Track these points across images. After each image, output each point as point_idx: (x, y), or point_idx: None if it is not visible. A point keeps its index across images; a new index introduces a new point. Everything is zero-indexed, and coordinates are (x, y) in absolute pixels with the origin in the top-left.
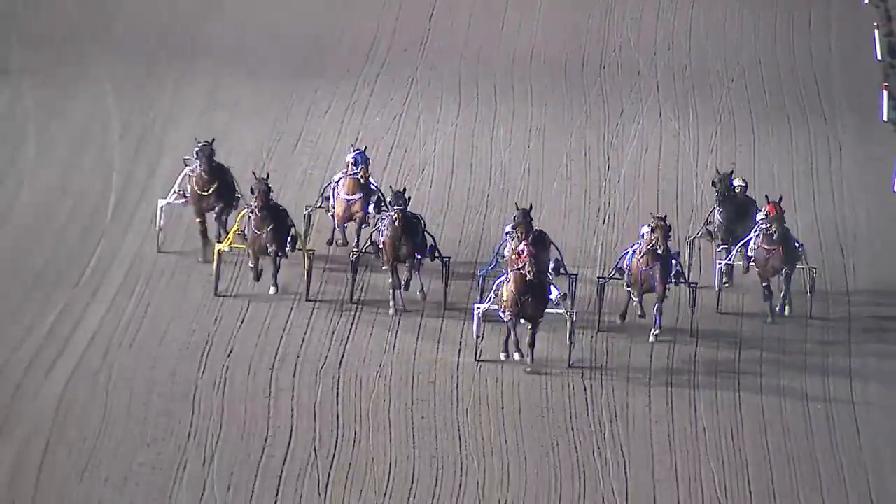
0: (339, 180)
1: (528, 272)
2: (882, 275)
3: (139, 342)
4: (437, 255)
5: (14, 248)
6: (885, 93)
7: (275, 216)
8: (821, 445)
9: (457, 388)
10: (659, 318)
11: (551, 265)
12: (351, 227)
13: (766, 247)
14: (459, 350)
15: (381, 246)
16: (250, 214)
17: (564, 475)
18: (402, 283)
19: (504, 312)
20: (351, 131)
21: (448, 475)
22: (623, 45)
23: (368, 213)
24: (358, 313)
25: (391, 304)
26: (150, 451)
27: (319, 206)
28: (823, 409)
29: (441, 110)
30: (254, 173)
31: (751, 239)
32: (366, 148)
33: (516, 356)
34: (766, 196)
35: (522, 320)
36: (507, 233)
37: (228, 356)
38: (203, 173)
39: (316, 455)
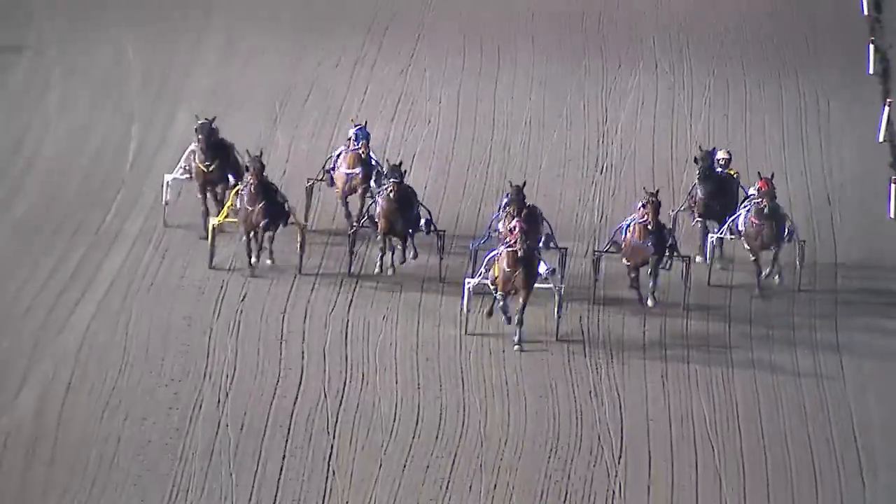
0: (339, 154)
1: (519, 249)
2: (868, 224)
3: (156, 287)
4: (432, 228)
5: (38, 195)
6: (872, 46)
7: (267, 193)
8: (808, 392)
9: (459, 335)
10: (654, 287)
11: (541, 240)
12: (354, 203)
13: (755, 221)
14: (459, 316)
15: (376, 219)
16: (243, 191)
17: (563, 415)
18: (394, 252)
19: (496, 290)
20: (360, 84)
21: (451, 415)
22: (621, 1)
23: (370, 187)
24: (358, 284)
25: (377, 263)
26: (167, 390)
27: (321, 180)
28: (810, 351)
29: (447, 63)
30: (247, 151)
31: (740, 214)
32: (366, 123)
33: (505, 320)
34: (759, 173)
35: (513, 295)
36: (501, 206)
37: (242, 301)
38: (202, 150)
39: (325, 396)
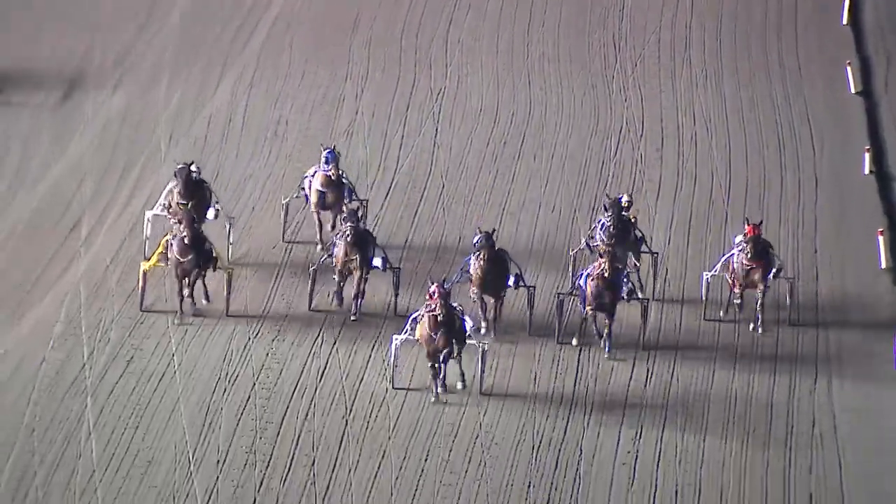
0: (313, 173)
1: (439, 314)
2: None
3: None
4: (388, 266)
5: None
6: None
7: (196, 242)
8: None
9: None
10: (609, 339)
11: (511, 280)
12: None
13: (745, 262)
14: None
15: (334, 260)
16: (172, 241)
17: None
18: (354, 293)
19: (423, 349)
20: None
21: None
22: None
23: (344, 203)
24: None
25: (334, 301)
26: None
27: (297, 197)
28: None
29: None
30: (178, 204)
31: (733, 254)
32: (335, 146)
33: (440, 391)
34: (747, 218)
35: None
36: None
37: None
38: (181, 192)
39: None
